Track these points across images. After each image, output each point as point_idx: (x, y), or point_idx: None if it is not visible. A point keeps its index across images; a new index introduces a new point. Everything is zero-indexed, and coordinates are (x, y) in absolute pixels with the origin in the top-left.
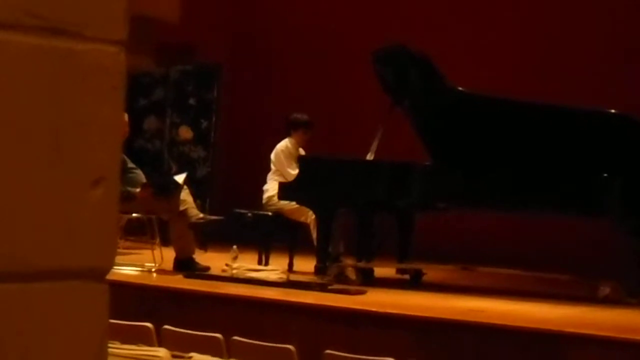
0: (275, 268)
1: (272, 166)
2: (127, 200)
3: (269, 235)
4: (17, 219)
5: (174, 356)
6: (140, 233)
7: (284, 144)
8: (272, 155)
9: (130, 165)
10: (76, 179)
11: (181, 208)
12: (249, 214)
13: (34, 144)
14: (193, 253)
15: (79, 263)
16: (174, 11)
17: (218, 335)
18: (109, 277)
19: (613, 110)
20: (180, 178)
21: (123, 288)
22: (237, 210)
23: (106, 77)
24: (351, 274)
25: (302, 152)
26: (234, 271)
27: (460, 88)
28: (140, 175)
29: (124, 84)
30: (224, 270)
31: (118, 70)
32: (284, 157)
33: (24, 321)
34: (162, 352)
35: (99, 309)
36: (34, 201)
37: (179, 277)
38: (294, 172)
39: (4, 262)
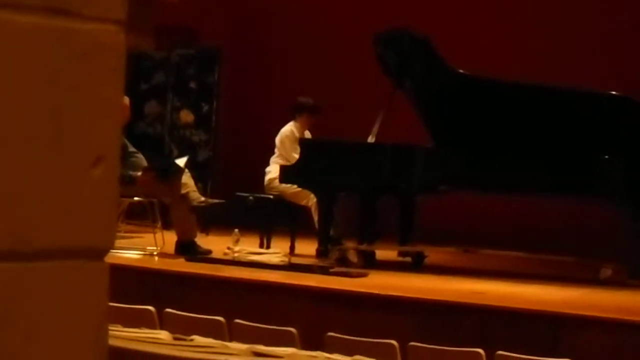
0: (277, 251)
1: (276, 150)
2: (128, 184)
3: (271, 218)
4: (18, 198)
5: (175, 339)
6: (141, 217)
7: (289, 128)
8: (277, 140)
9: (132, 149)
10: (76, 158)
11: (182, 192)
12: (251, 197)
13: (34, 124)
14: (195, 236)
15: (79, 242)
16: None
17: (220, 318)
18: (111, 260)
19: (614, 92)
20: (181, 162)
21: (125, 272)
22: (239, 194)
23: (106, 56)
24: (353, 256)
25: (308, 135)
26: (236, 254)
27: (461, 70)
28: (141, 159)
29: (123, 64)
30: (225, 254)
31: (118, 49)
32: (288, 143)
33: (25, 300)
34: (163, 334)
35: (99, 288)
36: (33, 180)
37: (181, 260)
38: (294, 154)
39: (4, 241)
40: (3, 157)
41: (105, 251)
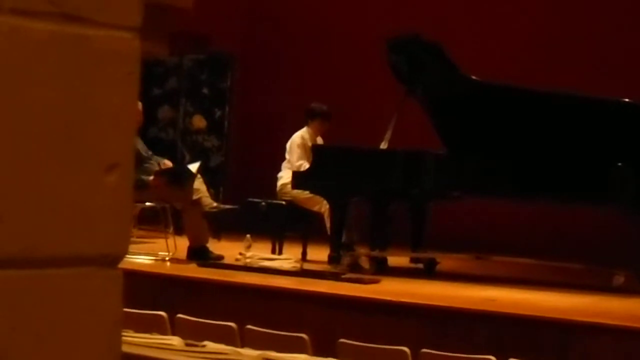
0: (289, 257)
1: (287, 155)
2: (140, 188)
3: (283, 224)
4: (31, 205)
5: (187, 345)
6: (153, 222)
7: (299, 134)
8: (288, 145)
9: (146, 154)
10: (90, 165)
11: (195, 197)
12: (263, 203)
13: (48, 130)
14: (207, 242)
15: (93, 249)
16: None
17: (231, 324)
18: (122, 265)
19: (627, 99)
20: (193, 167)
21: (137, 277)
22: (251, 200)
23: (120, 63)
24: (365, 263)
25: (320, 141)
26: (248, 260)
27: (473, 77)
28: (154, 165)
29: (138, 70)
30: (237, 259)
31: (132, 56)
32: (296, 149)
33: (39, 307)
34: (175, 340)
35: (113, 295)
36: (48, 187)
37: (193, 266)
38: (297, 163)
39: (19, 249)
40: (17, 164)
41: (119, 258)
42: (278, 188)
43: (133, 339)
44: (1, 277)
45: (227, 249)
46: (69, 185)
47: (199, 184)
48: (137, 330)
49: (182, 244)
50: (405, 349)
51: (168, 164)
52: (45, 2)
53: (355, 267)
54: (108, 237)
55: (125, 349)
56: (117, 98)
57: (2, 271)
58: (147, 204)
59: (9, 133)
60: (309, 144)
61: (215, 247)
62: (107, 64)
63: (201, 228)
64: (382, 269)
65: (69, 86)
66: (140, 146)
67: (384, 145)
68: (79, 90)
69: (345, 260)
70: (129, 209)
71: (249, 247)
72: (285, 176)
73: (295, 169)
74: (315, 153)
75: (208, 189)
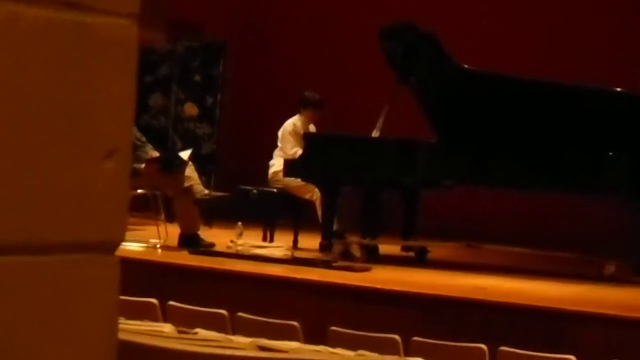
0: (280, 245)
1: (279, 143)
2: (132, 176)
3: (274, 212)
4: (30, 191)
5: (179, 332)
6: (145, 209)
7: (291, 121)
8: (280, 132)
9: (138, 142)
10: (88, 151)
11: (186, 184)
12: (254, 191)
13: (47, 117)
14: (198, 229)
15: (91, 236)
16: None
17: (223, 311)
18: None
19: (619, 88)
20: (185, 154)
21: (128, 264)
22: (242, 187)
23: (118, 49)
24: (356, 251)
25: (312, 129)
26: (239, 248)
27: (466, 66)
28: (146, 152)
29: (135, 57)
30: (228, 247)
31: (130, 43)
32: (288, 136)
33: (37, 294)
34: (167, 327)
35: (110, 282)
36: (46, 174)
37: (184, 253)
38: (291, 151)
39: (17, 235)
40: (16, 151)
41: (117, 245)
42: (270, 176)
43: (125, 326)
44: (0, 264)
45: (218, 236)
46: (68, 172)
47: (190, 171)
48: (128, 317)
49: (174, 231)
50: (397, 336)
51: (155, 154)
52: None
53: (346, 255)
54: (106, 223)
55: (119, 336)
56: (116, 84)
57: (1, 257)
58: (139, 191)
59: (8, 120)
60: (301, 131)
61: (207, 234)
62: (105, 50)
63: (192, 215)
64: (373, 257)
65: (67, 73)
66: (134, 133)
67: (375, 134)
68: (77, 76)
69: (337, 248)
70: (127, 195)
71: (240, 235)
72: (277, 164)
73: (290, 157)
74: (307, 141)
75: (199, 177)
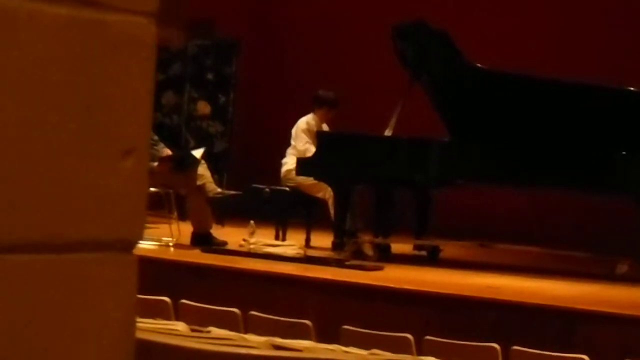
0: (293, 243)
1: (292, 141)
2: None
3: (286, 210)
4: (49, 190)
5: (192, 330)
6: (157, 207)
7: (305, 119)
8: (293, 130)
9: (151, 141)
10: (107, 149)
11: (199, 183)
12: (267, 189)
13: (66, 115)
14: (210, 228)
15: (109, 234)
16: None
17: (235, 309)
18: None
19: (632, 88)
20: (198, 153)
21: (140, 262)
22: (255, 186)
23: (137, 48)
24: (368, 250)
25: (325, 128)
26: (251, 246)
27: (478, 65)
28: (159, 151)
29: (154, 56)
30: (241, 245)
31: (148, 41)
32: (301, 134)
33: (56, 292)
34: (180, 326)
35: (128, 281)
36: (65, 172)
37: (197, 251)
38: (303, 147)
39: (36, 233)
40: (35, 149)
41: (135, 243)
42: (282, 174)
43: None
44: (19, 262)
45: (230, 234)
46: (86, 171)
47: (203, 169)
48: (141, 315)
49: (186, 229)
50: (409, 336)
51: (168, 152)
52: None
53: (358, 253)
54: (124, 222)
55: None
56: (134, 83)
57: (20, 255)
58: (152, 189)
59: (26, 118)
60: (315, 130)
61: (219, 232)
62: (123, 49)
63: (205, 214)
64: (385, 256)
65: (85, 71)
66: None
67: (388, 132)
68: (95, 75)
69: (349, 247)
70: (145, 194)
71: (252, 233)
72: (289, 162)
73: (301, 153)
74: (320, 139)
75: (212, 175)
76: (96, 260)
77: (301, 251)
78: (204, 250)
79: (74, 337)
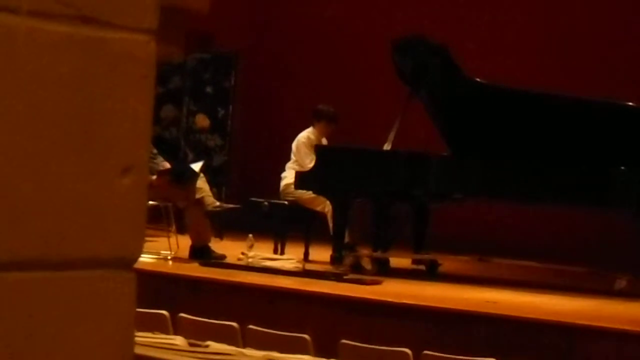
0: (291, 257)
1: (292, 155)
2: None
3: (285, 224)
4: (47, 206)
5: (191, 344)
6: (156, 220)
7: (305, 134)
8: (294, 145)
9: (150, 154)
10: (106, 167)
11: (197, 196)
12: (265, 203)
13: (64, 132)
14: (209, 241)
15: (108, 251)
16: (204, 1)
17: (233, 323)
18: None
19: (631, 103)
20: (196, 166)
21: (139, 276)
22: (254, 199)
23: (136, 65)
24: (367, 264)
25: (324, 142)
26: (250, 260)
27: (477, 79)
28: (158, 164)
29: (153, 73)
30: (239, 259)
31: (148, 59)
32: (304, 148)
33: (54, 309)
34: (179, 340)
35: (127, 297)
36: (63, 189)
37: (195, 265)
38: (310, 164)
39: (34, 250)
40: (33, 165)
41: (133, 261)
42: (282, 188)
43: (137, 339)
44: (18, 279)
45: (229, 248)
46: (85, 188)
47: (201, 183)
48: (139, 329)
49: (185, 243)
50: (407, 350)
51: (166, 166)
52: (62, 4)
53: (357, 267)
54: (123, 239)
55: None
56: (133, 101)
57: (19, 273)
58: (150, 202)
59: (26, 135)
60: (315, 144)
61: (218, 246)
62: (123, 66)
63: (204, 227)
64: (384, 270)
65: (84, 88)
66: None
67: (387, 147)
68: (94, 92)
69: (348, 260)
70: (144, 211)
71: (251, 247)
72: (289, 176)
73: (306, 167)
74: (318, 154)
75: (211, 188)
76: (95, 278)
77: (300, 265)
78: (203, 264)
79: (72, 353)
